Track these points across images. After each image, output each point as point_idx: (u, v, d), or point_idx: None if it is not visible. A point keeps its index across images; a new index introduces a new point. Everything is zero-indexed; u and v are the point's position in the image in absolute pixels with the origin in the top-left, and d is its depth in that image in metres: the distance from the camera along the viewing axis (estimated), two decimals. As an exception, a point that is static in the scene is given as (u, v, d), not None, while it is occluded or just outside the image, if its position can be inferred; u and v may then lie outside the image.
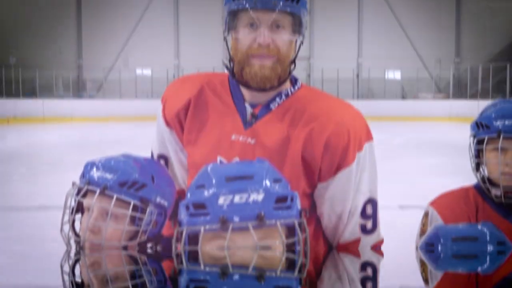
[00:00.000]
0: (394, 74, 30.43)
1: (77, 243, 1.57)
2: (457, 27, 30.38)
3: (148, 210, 1.56)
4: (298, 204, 1.20)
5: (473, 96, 25.87)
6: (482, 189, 2.00)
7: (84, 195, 1.54)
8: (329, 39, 29.88)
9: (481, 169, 1.99)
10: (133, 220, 1.55)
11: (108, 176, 1.55)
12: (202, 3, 29.92)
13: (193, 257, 1.15)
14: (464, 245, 1.60)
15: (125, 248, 1.58)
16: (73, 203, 1.58)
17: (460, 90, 27.93)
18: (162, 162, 1.96)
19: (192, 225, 1.16)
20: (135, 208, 1.54)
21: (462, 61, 29.69)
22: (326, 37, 29.90)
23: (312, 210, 1.81)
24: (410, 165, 10.57)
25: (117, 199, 1.52)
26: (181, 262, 1.15)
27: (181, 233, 1.16)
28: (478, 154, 1.97)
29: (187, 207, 1.18)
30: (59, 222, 1.61)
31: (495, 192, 1.93)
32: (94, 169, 1.58)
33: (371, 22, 30.22)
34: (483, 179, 1.97)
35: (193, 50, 29.66)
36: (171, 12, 30.79)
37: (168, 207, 1.65)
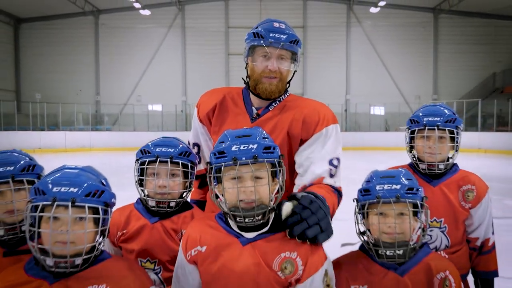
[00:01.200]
0: (379, 109, 30.48)
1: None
2: (434, 68, 30.56)
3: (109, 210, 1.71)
4: (278, 151, 1.75)
5: (449, 129, 26.11)
6: (413, 165, 2.49)
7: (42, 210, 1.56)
8: (321, 78, 30.13)
9: (413, 151, 2.47)
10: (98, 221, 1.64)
11: (74, 189, 1.59)
12: (206, 49, 30.49)
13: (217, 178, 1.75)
14: (388, 179, 1.93)
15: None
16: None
17: None
18: (195, 148, 2.45)
19: (217, 163, 1.72)
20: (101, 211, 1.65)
21: (439, 97, 29.72)
22: (318, 76, 30.15)
23: (291, 166, 2.25)
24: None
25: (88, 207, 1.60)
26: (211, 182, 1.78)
27: (211, 169, 1.74)
28: (411, 141, 2.47)
29: (214, 154, 1.74)
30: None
31: (422, 166, 2.41)
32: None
33: (358, 63, 30.41)
34: (414, 157, 2.45)
35: (198, 88, 29.10)
36: (178, 55, 30.93)
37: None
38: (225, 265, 1.71)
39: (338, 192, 2.11)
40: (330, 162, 2.12)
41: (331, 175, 2.11)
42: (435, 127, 2.34)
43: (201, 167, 2.43)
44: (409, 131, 2.48)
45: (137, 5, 27.79)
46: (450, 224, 2.38)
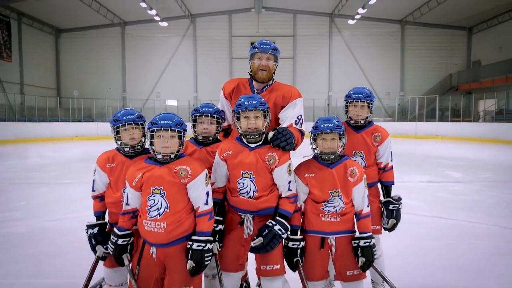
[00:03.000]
0: (355, 104, 30.40)
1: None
2: (401, 69, 30.70)
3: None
4: (266, 105, 2.59)
5: (412, 119, 26.33)
6: (348, 121, 3.11)
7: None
8: (308, 78, 30.33)
9: (347, 114, 3.10)
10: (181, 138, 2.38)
11: (170, 122, 2.35)
12: (213, 54, 30.64)
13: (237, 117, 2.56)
14: (326, 121, 2.61)
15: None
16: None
17: (403, 115, 28.13)
18: (222, 113, 2.97)
19: (237, 110, 2.56)
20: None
21: (405, 94, 29.95)
22: (305, 76, 30.38)
23: (277, 120, 2.90)
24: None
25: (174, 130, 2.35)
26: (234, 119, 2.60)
27: (234, 112, 2.59)
28: (346, 108, 3.11)
29: (236, 106, 2.57)
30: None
31: (351, 122, 3.09)
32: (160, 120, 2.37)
33: (339, 65, 30.52)
34: (348, 117, 3.10)
35: (207, 86, 30.03)
36: (191, 59, 31.03)
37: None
38: (241, 160, 2.52)
39: (301, 132, 2.81)
40: (297, 117, 2.83)
41: (296, 123, 2.81)
42: (359, 100, 3.01)
43: (225, 124, 3.03)
44: (346, 102, 3.10)
45: (157, 18, 27.85)
46: (366, 154, 3.05)
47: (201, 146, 2.80)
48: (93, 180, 2.67)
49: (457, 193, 7.56)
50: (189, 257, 2.26)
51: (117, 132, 2.58)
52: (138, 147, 2.61)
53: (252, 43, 3.07)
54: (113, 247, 2.41)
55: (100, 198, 2.69)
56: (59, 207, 6.44)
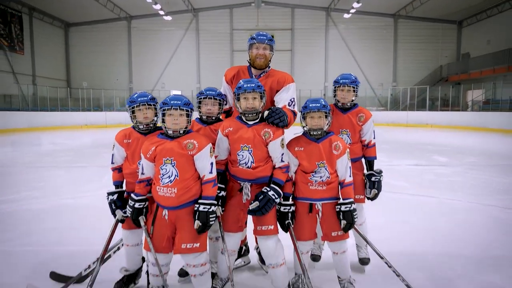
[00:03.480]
0: (350, 94, 30.41)
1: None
2: (394, 61, 30.73)
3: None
4: (262, 88, 2.78)
5: (404, 109, 26.39)
6: (335, 103, 3.29)
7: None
8: (305, 69, 30.34)
9: (335, 97, 3.28)
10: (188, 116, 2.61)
11: (179, 102, 2.58)
12: (215, 47, 30.64)
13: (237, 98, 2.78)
14: (314, 101, 2.79)
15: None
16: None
17: (395, 105, 28.14)
18: (224, 96, 3.17)
19: (237, 92, 2.77)
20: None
21: (398, 84, 30.02)
22: (303, 68, 30.39)
23: (272, 102, 3.10)
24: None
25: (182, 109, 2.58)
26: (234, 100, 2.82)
27: (235, 94, 2.78)
28: (334, 91, 3.29)
29: (236, 88, 2.77)
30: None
31: (339, 104, 3.28)
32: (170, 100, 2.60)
33: (334, 58, 30.59)
34: (336, 100, 3.28)
35: (209, 77, 30.04)
36: (194, 51, 31.10)
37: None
38: (240, 135, 2.73)
39: (294, 112, 3.00)
40: (290, 99, 3.03)
41: (289, 105, 3.01)
42: (346, 85, 3.21)
43: (226, 106, 3.23)
44: (334, 86, 3.28)
45: (161, 12, 27.86)
46: (351, 132, 3.26)
47: (205, 125, 3.00)
48: (112, 154, 2.89)
49: (441, 175, 7.77)
50: (196, 217, 2.48)
51: (133, 112, 2.78)
52: (151, 125, 2.82)
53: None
54: (130, 210, 2.64)
55: (118, 169, 2.91)
56: (74, 187, 6.66)
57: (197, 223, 2.47)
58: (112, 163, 2.91)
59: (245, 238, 3.47)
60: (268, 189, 2.67)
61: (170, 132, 2.59)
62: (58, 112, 23.61)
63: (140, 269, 3.10)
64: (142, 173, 2.65)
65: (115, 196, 2.84)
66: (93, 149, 12.69)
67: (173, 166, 2.53)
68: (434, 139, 16.05)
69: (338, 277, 2.91)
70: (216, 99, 3.00)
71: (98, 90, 26.52)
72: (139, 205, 2.64)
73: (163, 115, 2.59)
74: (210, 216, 2.50)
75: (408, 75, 30.33)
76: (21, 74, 25.82)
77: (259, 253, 3.44)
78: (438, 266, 3.42)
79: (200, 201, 2.53)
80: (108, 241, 2.84)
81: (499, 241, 4.04)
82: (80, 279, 3.06)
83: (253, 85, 2.72)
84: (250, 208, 2.65)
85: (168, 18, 29.37)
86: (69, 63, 31.49)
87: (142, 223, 2.65)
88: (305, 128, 2.84)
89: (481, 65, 25.79)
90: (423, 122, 23.36)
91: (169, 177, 2.52)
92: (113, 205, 2.82)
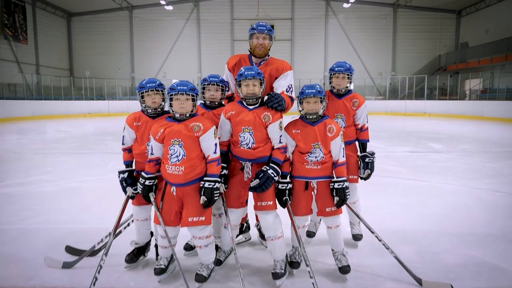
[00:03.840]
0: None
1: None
2: (393, 51, 30.75)
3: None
4: (262, 75, 2.92)
5: (402, 98, 26.53)
6: (331, 90, 3.47)
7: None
8: (305, 59, 30.34)
9: (331, 84, 3.43)
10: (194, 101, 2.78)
11: (185, 87, 2.74)
12: (216, 37, 30.55)
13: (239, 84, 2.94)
14: (310, 88, 2.94)
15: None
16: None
17: (394, 94, 28.21)
18: (226, 83, 3.34)
19: (238, 78, 2.92)
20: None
21: (396, 73, 30.10)
22: (303, 57, 30.39)
23: (271, 88, 3.25)
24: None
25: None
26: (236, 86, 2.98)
27: (237, 80, 2.94)
28: (330, 79, 3.45)
29: (238, 75, 2.93)
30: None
31: (334, 90, 3.42)
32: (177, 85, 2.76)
33: (334, 47, 30.59)
34: (331, 86, 3.44)
35: (210, 67, 29.97)
36: (195, 41, 31.08)
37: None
38: (242, 118, 2.91)
39: (291, 98, 3.17)
40: (288, 86, 3.21)
41: (287, 91, 3.18)
42: (341, 72, 3.36)
43: (229, 93, 3.42)
44: (330, 74, 3.45)
45: (162, 2, 27.91)
46: (346, 117, 3.43)
47: (208, 110, 3.15)
48: (123, 136, 3.08)
49: (435, 161, 7.99)
50: (202, 193, 2.69)
51: (142, 97, 2.98)
52: (159, 110, 3.00)
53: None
54: (141, 187, 2.85)
55: (128, 150, 3.09)
56: (82, 171, 6.90)
57: (203, 198, 2.68)
58: (123, 144, 3.08)
59: (246, 215, 3.69)
60: (268, 167, 2.86)
61: (177, 115, 2.76)
62: (61, 101, 23.79)
63: (149, 243, 3.30)
64: (152, 154, 2.85)
65: (125, 175, 3.02)
66: (97, 137, 12.92)
67: (180, 146, 2.72)
68: (431, 127, 16.23)
69: (332, 250, 3.10)
70: (219, 85, 3.14)
71: (100, 79, 26.64)
72: (149, 182, 2.84)
73: (171, 99, 2.76)
74: (215, 192, 2.70)
75: (407, 64, 30.37)
76: (25, 63, 25.87)
77: (259, 230, 3.68)
78: (426, 241, 3.64)
79: (205, 178, 2.72)
80: (120, 216, 3.04)
81: (484, 220, 4.26)
82: (93, 252, 3.28)
83: (253, 72, 2.87)
84: (251, 185, 2.85)
85: (170, 8, 29.32)
86: (72, 52, 31.52)
87: (152, 199, 2.85)
88: (302, 112, 2.99)
89: (479, 54, 25.80)
90: (421, 111, 23.50)
91: (177, 156, 2.72)
92: (124, 182, 3.01)
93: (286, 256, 3.08)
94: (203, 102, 3.22)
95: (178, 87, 2.75)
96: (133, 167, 3.12)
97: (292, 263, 3.10)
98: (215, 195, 2.71)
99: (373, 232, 3.02)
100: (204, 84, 3.17)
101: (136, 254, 3.20)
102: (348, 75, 3.37)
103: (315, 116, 2.95)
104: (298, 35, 30.51)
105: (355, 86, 30.09)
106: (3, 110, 19.02)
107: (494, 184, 5.87)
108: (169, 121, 2.82)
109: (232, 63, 3.38)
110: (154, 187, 2.87)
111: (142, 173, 2.88)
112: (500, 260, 3.22)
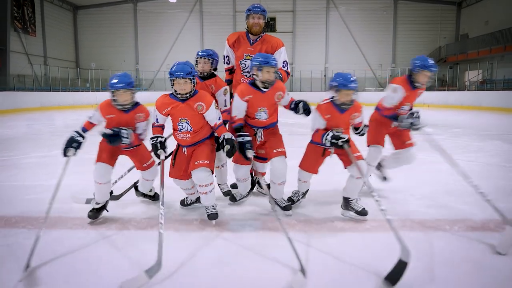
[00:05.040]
0: (350, 75, 30.53)
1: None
2: (393, 42, 30.92)
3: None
4: (276, 62, 3.41)
5: (402, 89, 26.70)
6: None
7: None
8: (306, 51, 30.62)
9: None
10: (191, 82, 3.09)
11: (182, 73, 3.03)
12: (218, 29, 30.62)
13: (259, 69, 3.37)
14: (351, 80, 3.23)
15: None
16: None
17: None
18: (226, 59, 3.99)
19: (263, 64, 3.34)
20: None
21: (396, 65, 30.25)
22: (304, 49, 30.65)
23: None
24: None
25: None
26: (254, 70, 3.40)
27: (259, 66, 3.33)
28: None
29: (263, 62, 3.33)
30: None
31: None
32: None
33: (335, 39, 30.77)
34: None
35: None
36: (197, 33, 31.40)
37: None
38: (257, 98, 3.42)
39: (287, 73, 3.78)
40: (283, 62, 3.82)
41: (283, 66, 3.82)
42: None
43: (230, 65, 4.02)
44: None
45: (166, -6, 28.35)
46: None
47: (202, 80, 3.68)
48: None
49: (424, 141, 8.51)
50: (225, 143, 3.15)
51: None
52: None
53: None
54: (153, 143, 3.26)
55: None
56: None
57: (227, 147, 3.14)
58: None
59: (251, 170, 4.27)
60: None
61: (179, 96, 3.16)
62: (68, 92, 24.22)
63: (107, 202, 3.62)
64: (157, 122, 3.34)
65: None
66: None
67: (187, 123, 3.25)
68: (428, 116, 16.58)
69: (347, 199, 3.49)
70: (208, 59, 3.66)
71: (106, 71, 27.01)
72: (158, 140, 3.26)
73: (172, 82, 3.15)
74: (234, 143, 3.18)
75: (407, 56, 29.94)
76: (33, 55, 26.41)
77: (257, 182, 4.24)
78: (402, 199, 4.27)
79: (223, 133, 3.23)
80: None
81: (453, 180, 4.87)
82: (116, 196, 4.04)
83: (274, 62, 3.35)
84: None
85: (173, 0, 29.70)
86: (78, 44, 32.04)
87: (162, 156, 3.20)
88: (337, 101, 3.31)
89: (479, 45, 25.91)
90: (420, 102, 23.46)
91: (185, 129, 3.29)
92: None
93: (289, 197, 3.80)
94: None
95: (176, 73, 3.07)
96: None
97: (290, 199, 3.80)
98: (235, 145, 3.22)
99: (364, 183, 3.27)
100: (196, 58, 3.73)
101: (98, 211, 3.55)
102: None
103: (349, 105, 3.34)
104: (300, 27, 30.71)
105: (356, 77, 30.24)
106: (13, 101, 19.42)
107: (472, 157, 6.47)
108: (173, 99, 3.22)
109: (232, 39, 3.93)
110: (159, 144, 3.22)
111: (151, 136, 3.32)
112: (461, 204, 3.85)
